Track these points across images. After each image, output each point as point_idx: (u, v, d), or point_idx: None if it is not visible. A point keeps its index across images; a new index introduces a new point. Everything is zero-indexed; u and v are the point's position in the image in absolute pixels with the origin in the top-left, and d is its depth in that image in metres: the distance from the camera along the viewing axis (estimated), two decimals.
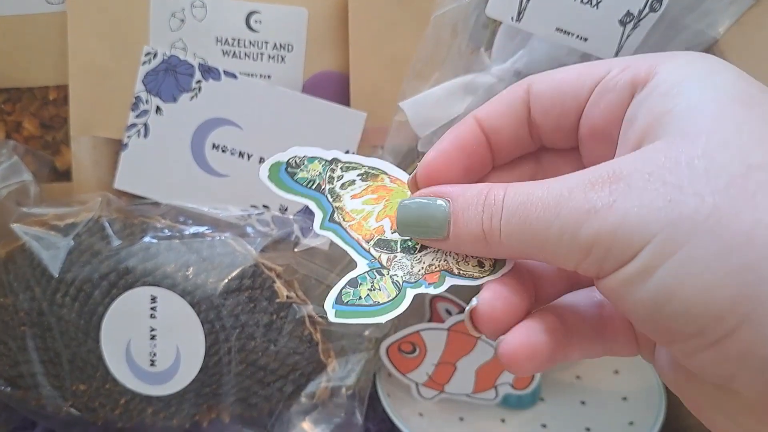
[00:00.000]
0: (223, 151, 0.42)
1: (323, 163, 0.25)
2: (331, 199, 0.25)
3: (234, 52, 0.41)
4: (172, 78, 0.41)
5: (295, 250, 0.41)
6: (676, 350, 0.19)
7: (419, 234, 0.23)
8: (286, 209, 0.43)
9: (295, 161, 0.25)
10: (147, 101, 0.42)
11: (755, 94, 0.19)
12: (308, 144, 0.42)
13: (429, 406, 0.45)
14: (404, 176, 0.25)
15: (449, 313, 0.44)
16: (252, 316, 0.40)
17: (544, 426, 0.45)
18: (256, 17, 0.41)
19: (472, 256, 0.24)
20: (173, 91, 0.41)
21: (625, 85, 0.21)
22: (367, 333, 0.43)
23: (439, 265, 0.25)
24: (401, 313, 0.24)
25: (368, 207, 0.25)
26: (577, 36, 0.36)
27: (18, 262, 0.40)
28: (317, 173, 0.25)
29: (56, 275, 0.39)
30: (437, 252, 0.24)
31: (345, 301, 0.24)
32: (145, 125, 0.42)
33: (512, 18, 0.37)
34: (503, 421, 0.45)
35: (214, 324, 0.39)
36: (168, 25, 0.41)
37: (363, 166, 0.26)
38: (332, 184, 0.25)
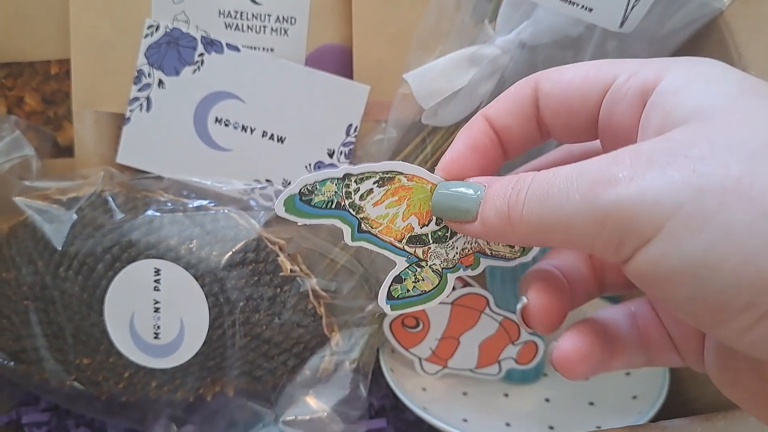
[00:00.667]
0: (225, 125, 0.42)
1: (335, 181, 0.25)
2: (353, 213, 0.25)
3: (237, 25, 0.41)
4: (174, 51, 0.41)
5: (299, 224, 0.41)
6: (725, 332, 0.18)
7: (451, 215, 0.24)
8: (289, 183, 0.43)
9: (307, 189, 0.25)
10: (149, 75, 0.41)
11: (762, 90, 0.19)
12: (312, 118, 0.42)
13: (432, 381, 0.46)
14: (420, 171, 0.26)
15: (453, 288, 0.44)
16: (256, 290, 0.40)
17: (547, 400, 0.45)
18: None
19: None
20: (176, 65, 0.41)
21: (635, 93, 0.22)
22: (370, 307, 0.43)
23: (471, 248, 0.27)
24: (448, 295, 0.27)
25: (392, 210, 0.26)
26: (582, 6, 0.36)
27: (20, 236, 0.40)
28: (332, 193, 0.25)
29: (59, 249, 0.39)
30: (468, 236, 0.26)
31: (395, 296, 0.27)
32: (148, 99, 0.42)
33: None
34: (507, 395, 0.45)
35: (218, 297, 0.39)
36: None
37: (376, 173, 0.25)
38: (351, 198, 0.25)
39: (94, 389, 0.41)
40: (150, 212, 0.40)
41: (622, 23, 0.36)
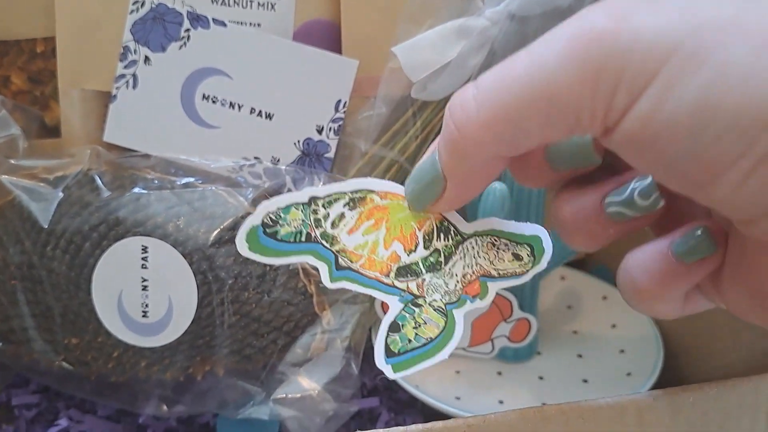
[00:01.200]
0: (213, 101, 0.41)
1: (300, 207, 0.22)
2: (327, 245, 0.22)
3: (223, 0, 0.41)
4: (160, 27, 0.41)
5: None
6: (720, 189, 0.17)
7: (423, 189, 0.22)
8: (278, 161, 0.42)
9: (270, 218, 0.22)
10: (135, 51, 0.41)
11: None
12: (300, 94, 0.41)
13: None
14: (394, 187, 0.23)
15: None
16: (245, 267, 0.39)
17: (541, 378, 0.44)
18: None
19: (503, 250, 0.23)
20: (162, 41, 0.41)
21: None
22: None
23: (474, 272, 0.23)
24: (461, 340, 0.23)
25: (371, 237, 0.23)
26: None
27: (8, 216, 0.40)
28: (299, 221, 0.22)
29: (46, 227, 0.39)
30: (464, 257, 0.23)
31: (396, 351, 0.22)
32: (134, 76, 0.41)
33: None
34: (500, 374, 0.45)
35: (207, 274, 0.39)
36: None
37: (345, 193, 0.23)
38: (321, 227, 0.22)
39: (83, 369, 0.41)
40: (137, 190, 0.40)
41: None
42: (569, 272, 0.51)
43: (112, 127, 0.42)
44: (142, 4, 0.40)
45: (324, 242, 0.23)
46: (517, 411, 0.29)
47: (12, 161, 0.41)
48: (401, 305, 0.23)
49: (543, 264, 0.23)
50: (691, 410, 0.29)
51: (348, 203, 0.23)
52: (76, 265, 0.39)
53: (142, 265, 0.39)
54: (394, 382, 0.43)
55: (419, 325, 0.22)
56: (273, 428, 0.41)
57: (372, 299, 0.44)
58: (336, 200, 0.23)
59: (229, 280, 0.39)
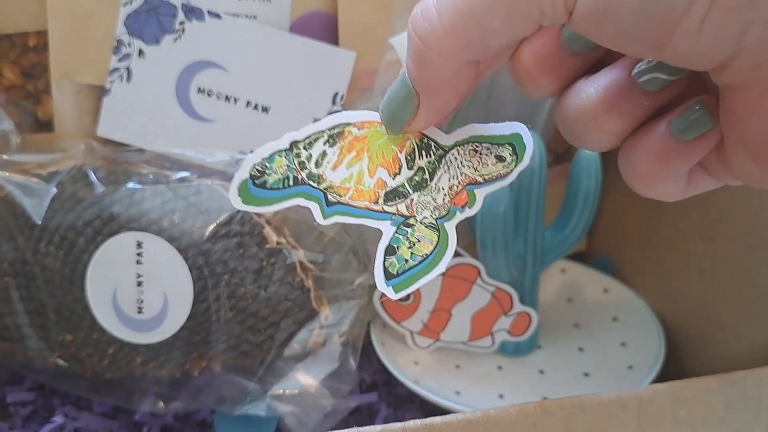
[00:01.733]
0: (208, 95, 0.41)
1: (284, 153, 0.23)
2: (315, 184, 0.23)
3: None
4: (154, 19, 0.40)
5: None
6: (681, 41, 0.18)
7: (397, 109, 0.22)
8: None
9: (257, 170, 0.22)
10: (129, 44, 0.40)
11: None
12: (297, 86, 0.41)
13: (424, 355, 0.45)
14: (369, 116, 0.23)
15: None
16: (241, 262, 0.39)
17: (541, 372, 0.44)
18: None
19: (486, 154, 0.23)
20: (156, 33, 0.40)
21: None
22: (359, 281, 0.42)
23: (459, 182, 0.23)
24: (455, 249, 0.23)
25: (355, 168, 0.23)
26: None
27: (1, 213, 0.39)
28: (285, 167, 0.23)
29: (39, 223, 0.38)
30: (448, 169, 0.23)
31: (394, 272, 0.23)
32: (128, 69, 0.41)
33: None
34: (500, 368, 0.45)
35: (203, 270, 0.38)
36: None
37: (322, 131, 0.23)
38: (306, 168, 0.23)
39: (78, 366, 0.41)
40: (131, 185, 0.39)
41: None
42: (569, 265, 0.51)
43: (106, 122, 0.41)
44: None
45: (311, 182, 0.23)
46: (516, 406, 0.28)
47: (4, 157, 0.40)
48: (393, 228, 0.23)
49: (526, 161, 0.23)
50: (692, 403, 0.29)
51: (327, 140, 0.23)
52: (69, 261, 0.39)
53: (137, 260, 0.38)
54: (392, 378, 0.43)
55: (413, 244, 0.23)
56: (270, 424, 0.41)
57: (370, 293, 0.43)
58: (316, 140, 0.23)
59: (225, 275, 0.38)
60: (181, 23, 0.40)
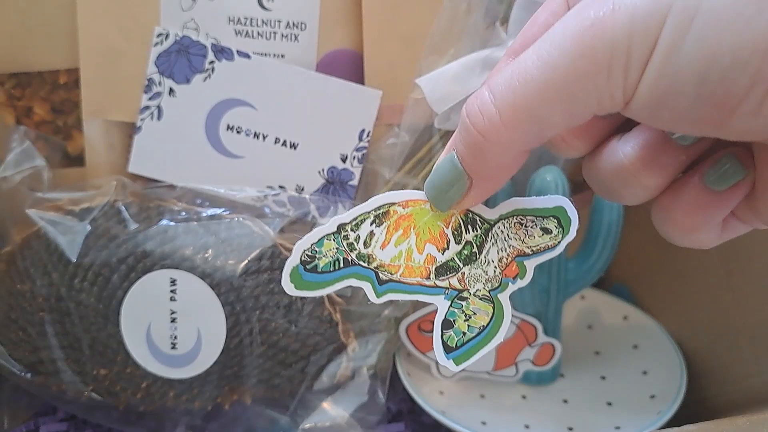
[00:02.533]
0: (237, 132, 0.42)
1: (332, 237, 0.23)
2: (366, 264, 0.24)
3: (247, 32, 0.41)
4: (184, 59, 0.41)
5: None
6: (739, 121, 0.18)
7: (447, 190, 0.23)
8: (302, 189, 0.42)
9: (307, 255, 0.23)
10: (160, 83, 0.41)
11: None
12: (324, 124, 0.41)
13: (449, 385, 0.45)
14: (412, 195, 0.24)
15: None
16: (272, 297, 0.39)
17: (565, 401, 0.45)
18: None
19: (531, 227, 0.24)
20: (186, 73, 0.41)
21: None
22: (386, 313, 0.43)
23: (508, 255, 0.24)
24: (509, 322, 0.24)
25: (403, 246, 0.24)
26: None
27: (34, 248, 0.40)
28: (335, 250, 0.23)
29: (74, 260, 0.39)
30: (496, 242, 0.24)
31: (453, 345, 0.24)
32: (159, 107, 0.41)
33: None
34: (524, 397, 0.45)
35: (235, 305, 0.39)
36: (179, 5, 0.40)
37: (368, 213, 0.24)
38: (355, 249, 0.24)
39: (111, 399, 0.41)
40: (164, 222, 0.40)
41: None
42: (588, 292, 0.51)
43: (137, 158, 0.42)
44: (167, 37, 0.41)
45: (362, 263, 0.24)
46: None
47: (38, 194, 0.41)
48: (448, 302, 0.24)
49: (573, 233, 0.24)
50: None
51: (374, 221, 0.24)
52: (104, 298, 0.39)
53: (171, 297, 0.39)
54: (417, 406, 0.44)
55: (469, 317, 0.24)
56: None
57: (396, 325, 0.44)
58: (362, 221, 0.24)
59: (257, 311, 0.39)
60: (211, 63, 0.41)
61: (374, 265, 0.23)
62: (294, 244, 0.40)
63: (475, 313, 0.24)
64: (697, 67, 0.18)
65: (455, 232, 0.24)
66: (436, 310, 0.43)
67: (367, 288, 0.24)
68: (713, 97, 0.18)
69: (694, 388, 0.43)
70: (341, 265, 0.23)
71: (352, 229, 0.24)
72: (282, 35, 0.41)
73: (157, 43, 0.41)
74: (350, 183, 0.42)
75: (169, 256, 0.39)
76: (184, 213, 0.40)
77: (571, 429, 0.42)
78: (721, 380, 0.43)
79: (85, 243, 0.39)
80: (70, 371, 0.41)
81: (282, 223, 0.40)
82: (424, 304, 0.43)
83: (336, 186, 0.42)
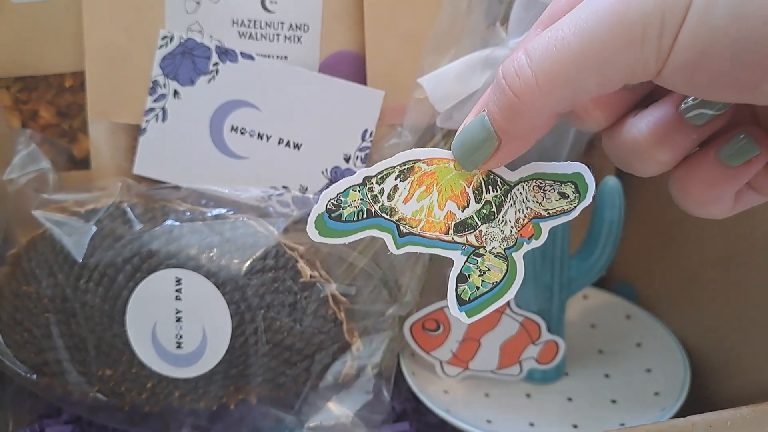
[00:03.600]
0: (241, 133, 0.42)
1: (357, 188, 0.24)
2: (388, 216, 0.25)
3: (250, 34, 0.41)
4: (189, 61, 0.41)
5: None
6: None
7: (477, 151, 0.23)
8: (306, 189, 0.43)
9: (333, 204, 0.24)
10: (164, 85, 0.42)
11: None
12: (327, 124, 0.42)
13: (454, 384, 0.46)
14: (438, 153, 0.25)
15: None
16: (277, 296, 0.40)
17: (569, 399, 0.45)
18: None
19: (549, 191, 0.24)
20: (190, 74, 0.41)
21: None
22: (389, 312, 0.43)
23: (525, 216, 0.25)
24: (521, 280, 0.25)
25: (425, 201, 0.25)
26: None
27: (40, 249, 0.40)
28: (359, 201, 0.24)
29: (79, 261, 0.39)
30: (514, 203, 0.25)
31: (466, 299, 0.25)
32: (163, 109, 0.42)
33: None
34: (528, 396, 0.45)
35: (240, 305, 0.39)
36: (184, 8, 0.41)
37: (394, 167, 0.25)
38: (379, 201, 0.25)
39: (117, 400, 0.41)
40: (169, 222, 0.40)
41: None
42: (591, 291, 0.51)
43: (142, 160, 0.43)
44: (171, 39, 0.41)
45: (384, 215, 0.25)
46: None
47: (44, 195, 0.41)
48: (464, 257, 0.25)
49: (588, 198, 0.25)
50: None
51: (399, 175, 0.24)
52: (110, 298, 0.40)
53: (176, 296, 0.39)
54: (422, 405, 0.44)
55: (484, 273, 0.25)
56: None
57: (400, 324, 0.44)
58: (387, 175, 0.25)
59: (262, 310, 0.39)
60: (215, 64, 0.41)
61: (396, 217, 0.24)
62: (297, 244, 0.41)
63: (489, 269, 0.25)
64: (732, 29, 0.18)
65: (476, 192, 0.25)
66: (441, 309, 0.43)
67: (388, 239, 0.25)
68: (748, 57, 0.19)
69: (698, 385, 0.43)
70: (364, 215, 0.24)
71: (377, 182, 0.24)
72: (285, 37, 0.42)
73: (161, 46, 0.41)
74: None
75: (174, 255, 0.39)
76: (188, 213, 0.41)
77: (575, 426, 0.42)
78: (726, 376, 0.43)
79: (90, 244, 0.40)
80: (75, 372, 0.41)
81: (286, 222, 0.41)
82: (429, 303, 0.44)
83: None
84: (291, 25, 0.41)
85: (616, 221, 0.42)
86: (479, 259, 0.25)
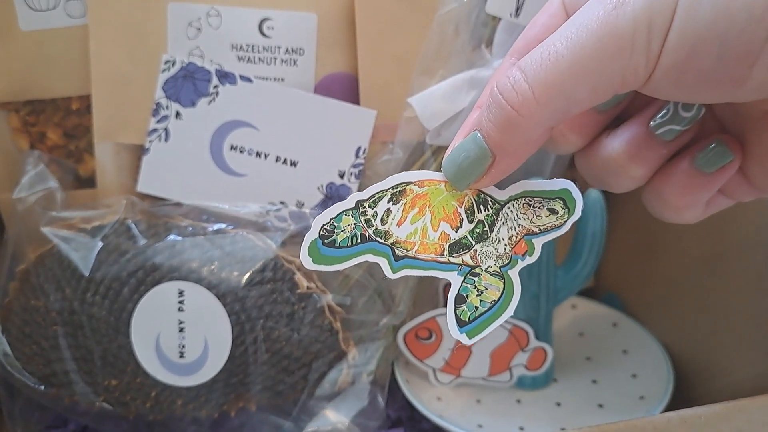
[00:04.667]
0: (240, 151, 0.44)
1: (350, 213, 0.25)
2: (382, 240, 0.25)
3: (248, 58, 0.44)
4: (190, 84, 0.43)
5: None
6: (759, 73, 0.20)
7: (469, 169, 0.24)
8: (302, 205, 0.45)
9: (326, 230, 0.24)
10: (167, 107, 0.44)
11: None
12: (322, 142, 0.44)
13: (447, 391, 0.47)
14: (429, 175, 0.25)
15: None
16: (275, 307, 0.41)
17: (558, 404, 0.46)
18: (269, 23, 0.43)
19: (539, 207, 0.25)
20: (192, 97, 0.44)
21: None
22: (384, 321, 0.45)
23: (517, 233, 0.25)
24: (520, 295, 0.25)
25: (419, 224, 0.25)
26: None
27: (48, 265, 0.42)
28: (352, 226, 0.24)
29: (86, 275, 0.41)
30: (506, 221, 0.25)
31: (466, 319, 0.25)
32: (166, 130, 0.44)
33: (511, 14, 0.39)
34: (519, 401, 0.47)
35: (240, 315, 0.41)
36: (185, 34, 0.43)
37: (386, 191, 0.25)
38: (372, 225, 0.25)
39: (122, 409, 0.43)
40: (171, 237, 0.42)
41: None
42: (580, 301, 0.53)
43: (145, 178, 0.45)
44: (173, 63, 0.43)
45: (378, 239, 0.25)
46: None
47: (52, 213, 0.43)
48: (461, 278, 0.25)
49: (577, 213, 0.25)
50: (702, 429, 0.31)
51: (391, 198, 0.25)
52: (115, 310, 0.41)
53: (179, 308, 0.41)
54: (416, 413, 0.45)
55: (481, 292, 0.25)
56: None
57: (394, 333, 0.46)
58: (380, 198, 0.25)
59: (261, 320, 0.41)
60: (215, 87, 0.43)
61: (390, 241, 0.25)
62: (295, 257, 0.43)
63: (486, 288, 0.25)
64: (716, 27, 0.19)
65: (468, 211, 0.25)
66: (433, 318, 0.45)
67: (383, 263, 0.25)
68: (734, 53, 0.20)
69: (682, 389, 0.45)
70: (358, 240, 0.25)
71: (369, 206, 0.25)
72: (282, 60, 0.44)
73: (164, 70, 0.43)
74: None
75: (176, 269, 0.41)
76: (190, 228, 0.43)
77: (563, 429, 0.44)
78: (708, 379, 0.45)
79: (97, 258, 0.41)
80: (82, 382, 0.43)
81: (283, 236, 0.43)
82: (421, 313, 0.45)
83: (335, 201, 0.45)
84: (287, 49, 0.44)
85: (599, 232, 0.44)
86: (476, 279, 0.25)
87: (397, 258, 0.25)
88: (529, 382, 0.47)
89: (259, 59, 0.44)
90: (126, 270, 0.41)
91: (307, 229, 0.43)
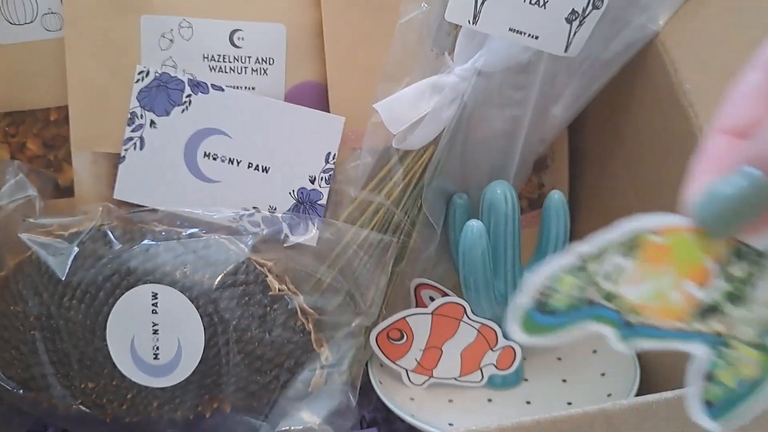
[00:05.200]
0: (214, 158, 0.45)
1: (571, 271, 0.20)
2: (609, 304, 0.20)
3: (220, 68, 0.45)
4: (164, 93, 0.45)
5: (285, 246, 0.44)
6: None
7: (740, 212, 0.19)
8: (275, 209, 0.46)
9: (542, 294, 0.20)
10: (141, 116, 0.45)
11: None
12: (293, 149, 0.45)
13: (420, 391, 0.48)
14: (672, 220, 0.20)
15: (432, 299, 0.47)
16: (247, 309, 0.42)
17: (528, 402, 0.47)
18: (239, 35, 0.45)
19: None
20: (165, 106, 0.45)
21: None
22: (356, 323, 0.46)
23: None
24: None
25: (657, 283, 0.20)
26: (529, 34, 0.40)
27: (26, 271, 0.43)
28: (575, 287, 0.20)
29: (63, 280, 0.42)
30: None
31: (717, 402, 0.20)
32: (141, 138, 0.45)
33: (469, 21, 0.40)
34: (490, 400, 0.48)
35: (212, 317, 0.42)
36: (158, 45, 0.44)
37: (617, 242, 0.20)
38: (598, 286, 0.20)
39: (99, 412, 0.44)
40: (146, 242, 0.43)
41: (566, 48, 0.40)
42: None
43: (121, 186, 0.46)
44: (147, 74, 0.45)
45: (605, 302, 0.20)
46: (497, 425, 0.32)
47: (30, 220, 0.44)
48: (709, 350, 0.20)
49: None
50: (654, 416, 0.32)
51: (623, 253, 0.20)
52: (91, 314, 0.42)
53: (153, 310, 0.42)
54: (391, 415, 0.46)
55: (735, 366, 0.20)
56: None
57: (366, 334, 0.47)
58: (608, 252, 0.20)
59: (233, 322, 0.42)
60: (188, 96, 0.45)
61: (620, 305, 0.20)
62: (267, 260, 0.44)
63: (741, 361, 0.20)
64: None
65: (721, 267, 0.20)
66: (403, 318, 0.46)
67: (610, 333, 0.21)
68: None
69: (648, 386, 0.46)
70: (582, 305, 0.20)
71: (597, 262, 0.20)
72: (252, 70, 0.45)
73: (138, 80, 0.45)
74: (319, 202, 0.46)
75: (150, 272, 0.42)
76: (164, 233, 0.44)
77: (517, 421, 0.45)
78: (671, 377, 0.46)
79: (73, 263, 0.42)
80: (59, 386, 0.44)
81: (255, 239, 0.44)
82: (393, 312, 0.47)
83: (306, 206, 0.46)
84: (257, 59, 0.45)
85: (562, 234, 0.45)
86: (728, 351, 0.20)
87: (627, 326, 0.20)
88: (499, 382, 0.48)
89: (231, 69, 0.45)
90: (102, 274, 0.42)
91: (279, 232, 0.45)
